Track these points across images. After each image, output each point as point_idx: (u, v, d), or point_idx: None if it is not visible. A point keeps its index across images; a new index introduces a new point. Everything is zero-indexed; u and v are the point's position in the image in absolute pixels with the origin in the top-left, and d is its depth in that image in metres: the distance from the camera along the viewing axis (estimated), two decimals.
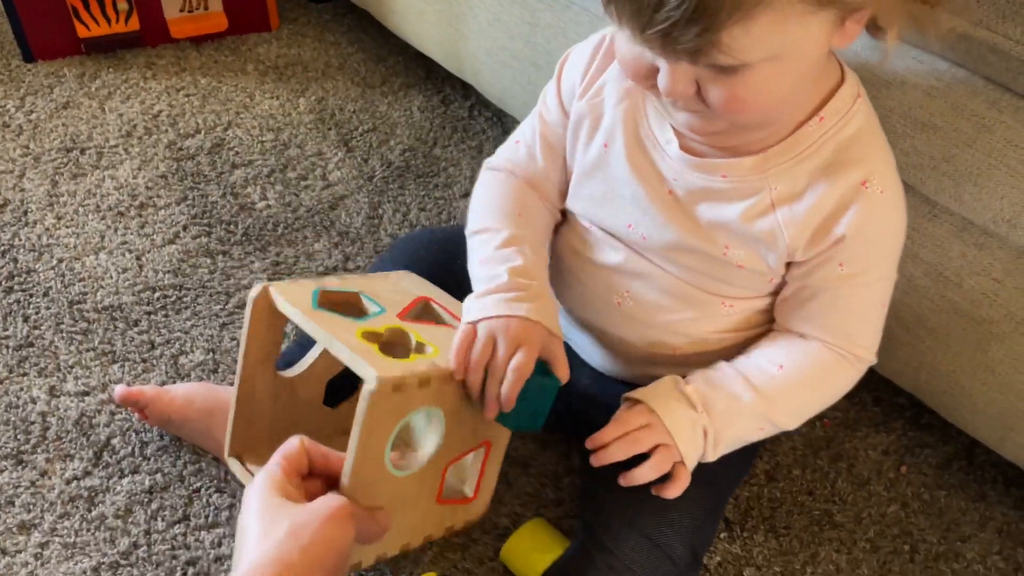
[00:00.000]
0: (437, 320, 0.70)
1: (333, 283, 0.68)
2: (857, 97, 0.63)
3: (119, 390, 0.79)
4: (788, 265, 0.65)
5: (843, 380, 0.68)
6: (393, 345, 0.66)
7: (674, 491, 0.65)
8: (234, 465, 0.70)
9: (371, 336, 0.63)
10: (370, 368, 0.57)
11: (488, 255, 0.67)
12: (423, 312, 0.70)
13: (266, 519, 0.53)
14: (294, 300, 0.64)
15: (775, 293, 0.69)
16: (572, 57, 0.71)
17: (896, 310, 0.76)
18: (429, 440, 0.64)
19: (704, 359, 0.70)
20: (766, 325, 0.70)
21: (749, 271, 0.65)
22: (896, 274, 0.66)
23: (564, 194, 0.73)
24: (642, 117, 0.67)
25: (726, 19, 0.49)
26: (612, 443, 0.64)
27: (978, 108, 0.66)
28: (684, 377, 0.68)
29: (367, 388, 0.57)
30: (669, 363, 0.71)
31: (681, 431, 0.64)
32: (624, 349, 0.73)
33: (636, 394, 0.66)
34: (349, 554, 0.55)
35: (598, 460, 0.64)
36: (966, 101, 0.67)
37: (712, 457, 0.66)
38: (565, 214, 0.74)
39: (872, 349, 0.68)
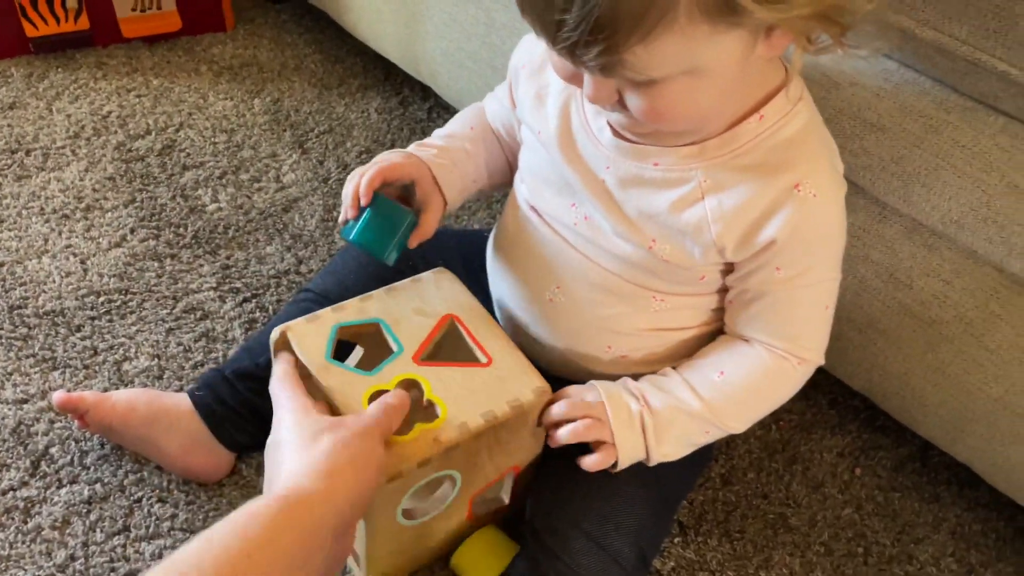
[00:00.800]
0: (457, 354, 0.69)
1: (351, 312, 0.69)
2: (799, 99, 0.62)
3: (58, 396, 0.76)
4: (729, 266, 0.65)
5: (788, 384, 0.68)
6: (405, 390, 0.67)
7: (591, 463, 0.66)
8: None
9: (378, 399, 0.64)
10: None
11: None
12: (445, 339, 0.70)
13: (303, 430, 0.56)
14: (309, 348, 0.66)
15: (717, 292, 0.68)
16: (523, 43, 0.72)
17: (848, 312, 0.76)
18: (444, 489, 0.68)
19: (645, 359, 0.70)
20: (706, 325, 0.70)
21: (675, 265, 0.65)
22: (839, 275, 0.65)
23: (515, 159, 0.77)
24: (577, 107, 0.66)
25: (624, 40, 0.49)
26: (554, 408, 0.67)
27: (926, 109, 0.66)
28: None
29: None
30: (610, 364, 0.71)
31: (617, 414, 0.66)
32: (563, 347, 0.72)
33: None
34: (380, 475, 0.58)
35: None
36: (914, 102, 0.67)
37: (658, 457, 0.67)
38: (512, 198, 0.74)
39: (818, 351, 0.67)
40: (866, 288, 0.75)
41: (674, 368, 0.69)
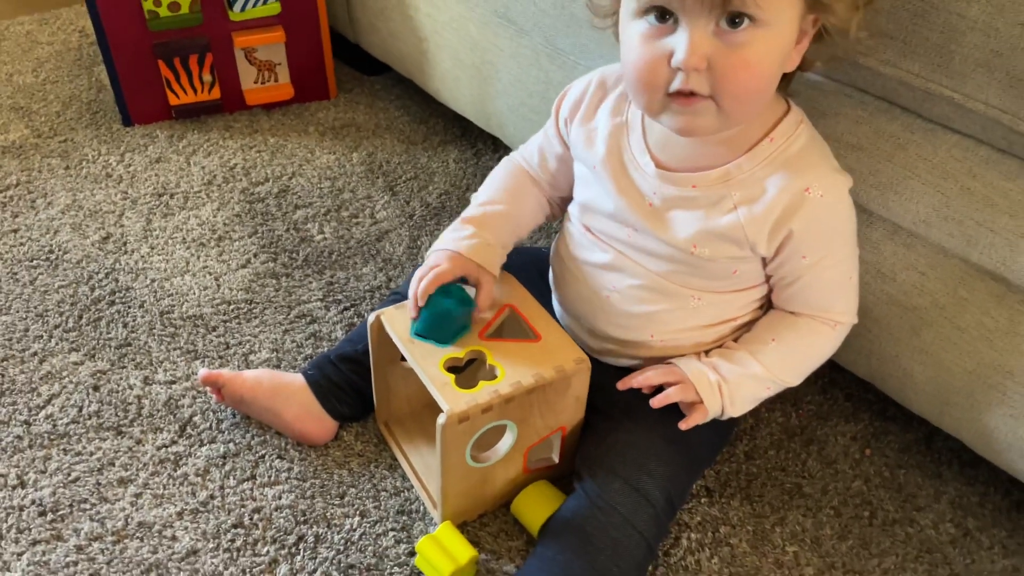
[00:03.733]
0: (514, 333, 0.87)
1: None
2: (800, 123, 0.79)
3: (202, 372, 0.96)
4: (763, 261, 0.81)
5: (828, 343, 0.85)
6: (470, 368, 0.86)
7: (689, 422, 0.82)
8: (383, 429, 0.97)
9: (452, 364, 0.83)
10: (443, 402, 0.78)
11: (466, 210, 0.91)
12: (505, 323, 0.88)
13: None
14: (398, 328, 0.86)
15: (745, 290, 0.84)
16: (569, 95, 0.89)
17: None
18: (505, 439, 0.85)
19: (678, 346, 0.86)
20: (732, 320, 0.85)
21: (715, 261, 0.80)
22: (856, 250, 0.82)
23: (559, 192, 0.93)
24: (625, 146, 0.84)
25: None
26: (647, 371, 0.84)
27: (894, 131, 0.82)
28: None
29: (440, 420, 0.77)
30: (653, 350, 0.87)
31: (698, 378, 0.82)
32: (615, 337, 0.88)
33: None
34: None
35: (623, 384, 0.85)
36: (885, 125, 0.82)
37: (731, 413, 0.83)
38: (568, 218, 0.91)
39: (848, 313, 0.84)
40: (860, 284, 0.89)
41: (735, 341, 0.86)
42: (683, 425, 0.83)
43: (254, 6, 1.40)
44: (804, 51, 0.74)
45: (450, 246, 0.87)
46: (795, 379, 0.85)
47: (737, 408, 0.84)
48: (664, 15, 0.70)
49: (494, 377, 0.81)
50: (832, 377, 1.07)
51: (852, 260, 0.82)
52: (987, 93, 0.73)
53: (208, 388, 0.99)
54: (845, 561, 0.88)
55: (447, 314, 0.84)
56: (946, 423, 0.89)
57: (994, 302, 0.80)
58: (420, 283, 0.84)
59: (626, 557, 0.79)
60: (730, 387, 0.83)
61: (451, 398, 0.78)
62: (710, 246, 0.80)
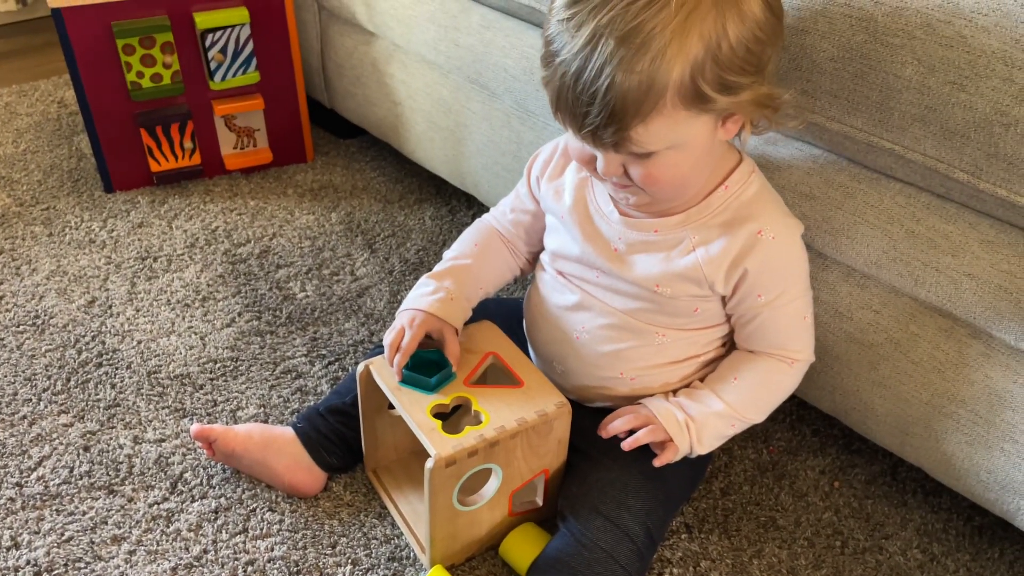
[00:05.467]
0: (497, 380, 0.91)
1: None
2: (752, 172, 0.85)
3: (194, 428, 0.99)
4: (723, 300, 0.87)
5: (787, 380, 0.90)
6: (456, 415, 0.90)
7: (661, 460, 0.87)
8: (372, 476, 1.00)
9: (438, 410, 0.86)
10: (431, 447, 0.82)
11: (436, 266, 0.96)
12: (488, 370, 0.93)
13: None
14: (386, 377, 0.90)
15: (707, 328, 0.89)
16: (539, 156, 0.95)
17: None
18: (490, 483, 0.88)
19: (646, 386, 0.91)
20: (696, 357, 0.90)
21: (677, 300, 0.86)
22: (810, 292, 0.88)
23: (531, 247, 0.99)
24: (591, 197, 0.90)
25: (631, 122, 0.72)
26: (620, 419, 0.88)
27: (843, 181, 0.88)
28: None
29: (428, 464, 0.81)
30: (624, 388, 0.91)
31: (667, 419, 0.86)
32: (587, 376, 0.93)
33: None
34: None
35: (601, 431, 0.89)
36: (834, 176, 0.89)
37: (699, 451, 0.88)
38: (540, 267, 0.97)
39: (804, 352, 0.89)
40: (819, 323, 0.95)
41: (700, 380, 0.91)
42: (656, 463, 0.87)
43: (234, 76, 1.45)
44: (740, 123, 0.79)
45: (414, 305, 0.92)
46: (758, 416, 0.90)
47: (705, 446, 0.88)
48: None
49: (479, 422, 0.85)
50: (799, 414, 1.12)
51: (805, 300, 0.88)
52: (924, 145, 0.79)
53: (200, 443, 1.01)
54: None
55: (429, 362, 0.89)
56: (907, 453, 0.95)
57: (943, 336, 0.86)
58: (394, 359, 0.89)
59: None
60: (697, 425, 0.87)
61: (438, 443, 0.82)
62: (672, 285, 0.85)
